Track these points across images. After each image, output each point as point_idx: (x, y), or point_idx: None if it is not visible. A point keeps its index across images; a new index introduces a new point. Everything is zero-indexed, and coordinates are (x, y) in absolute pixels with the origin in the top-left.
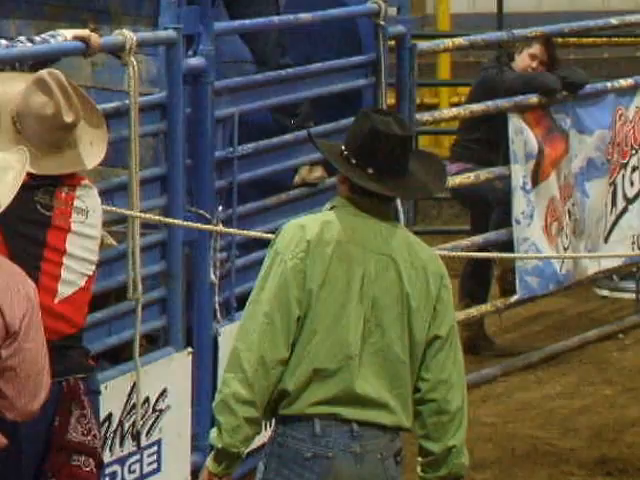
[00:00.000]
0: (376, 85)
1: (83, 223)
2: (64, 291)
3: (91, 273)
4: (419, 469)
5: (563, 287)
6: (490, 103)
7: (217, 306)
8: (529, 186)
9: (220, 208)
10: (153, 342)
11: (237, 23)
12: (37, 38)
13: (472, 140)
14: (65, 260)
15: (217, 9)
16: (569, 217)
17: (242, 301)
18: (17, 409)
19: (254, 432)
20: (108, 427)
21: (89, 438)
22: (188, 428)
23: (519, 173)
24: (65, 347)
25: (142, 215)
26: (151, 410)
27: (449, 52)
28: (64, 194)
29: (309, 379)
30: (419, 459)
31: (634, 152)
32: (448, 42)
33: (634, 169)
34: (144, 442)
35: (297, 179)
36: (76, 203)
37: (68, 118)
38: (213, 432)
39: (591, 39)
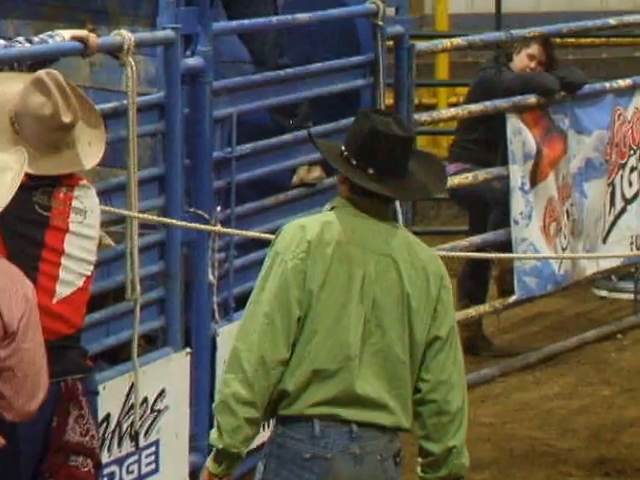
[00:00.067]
0: (374, 85)
1: (81, 223)
2: (62, 291)
3: (89, 273)
4: (419, 469)
5: (561, 287)
6: (488, 103)
7: (215, 306)
8: (527, 186)
9: (218, 208)
10: (151, 342)
11: (235, 23)
12: (35, 38)
13: (470, 140)
14: (63, 260)
15: (215, 9)
16: (567, 217)
17: (240, 301)
18: (15, 409)
19: (254, 432)
20: (106, 427)
21: (87, 439)
22: (186, 428)
23: (517, 173)
24: (63, 347)
25: (140, 215)
26: (149, 410)
27: (447, 52)
28: (62, 194)
29: (309, 380)
30: (419, 459)
31: (632, 152)
32: (446, 42)
33: (632, 169)
34: (142, 442)
35: (295, 179)
36: (74, 203)
37: (66, 118)
38: (213, 433)
39: (589, 39)
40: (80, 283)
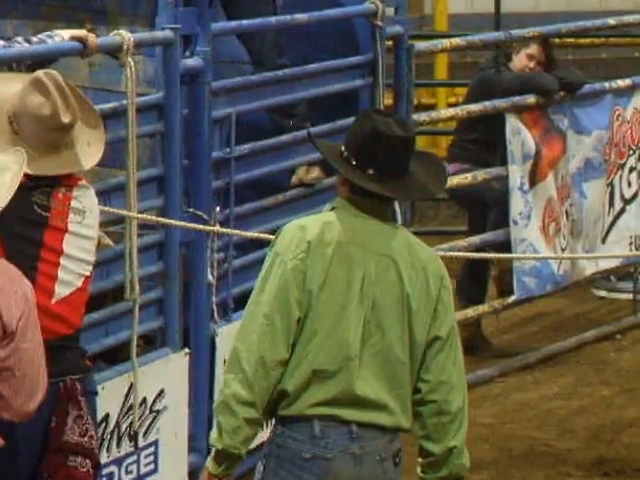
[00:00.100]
0: (373, 85)
1: (80, 224)
2: (61, 291)
3: (88, 274)
4: (419, 470)
5: (560, 288)
6: (487, 103)
7: (214, 307)
8: (526, 187)
9: (217, 209)
10: (150, 343)
11: (234, 23)
12: (34, 38)
13: (469, 141)
14: (62, 260)
15: (214, 9)
16: (567, 218)
17: (239, 302)
18: (14, 409)
19: (254, 433)
20: (105, 428)
21: (86, 439)
22: (185, 429)
23: (516, 174)
24: (62, 348)
25: (139, 216)
26: (148, 411)
27: (447, 52)
28: (61, 195)
29: (309, 380)
30: (419, 460)
31: (631, 153)
32: (446, 42)
33: (631, 170)
34: (141, 443)
35: (294, 180)
36: (73, 204)
37: (65, 119)
38: (213, 433)
39: (589, 39)
40: (79, 283)
